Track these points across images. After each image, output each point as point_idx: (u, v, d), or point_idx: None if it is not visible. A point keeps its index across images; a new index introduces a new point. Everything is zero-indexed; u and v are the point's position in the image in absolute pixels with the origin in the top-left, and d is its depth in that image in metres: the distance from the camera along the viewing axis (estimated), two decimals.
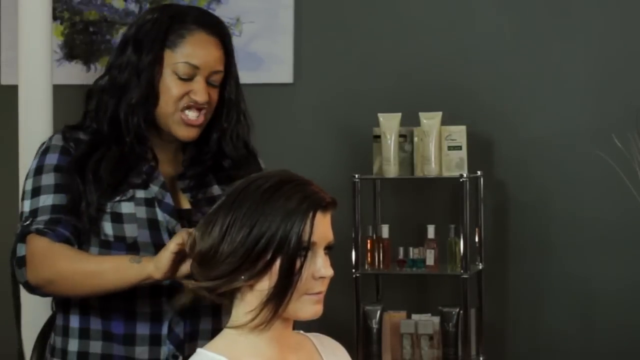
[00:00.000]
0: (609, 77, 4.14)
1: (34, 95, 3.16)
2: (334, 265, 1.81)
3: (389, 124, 4.00)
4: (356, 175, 4.02)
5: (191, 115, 2.27)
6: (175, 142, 2.33)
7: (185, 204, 2.30)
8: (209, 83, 2.29)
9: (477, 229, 4.11)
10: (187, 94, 2.26)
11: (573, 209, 4.16)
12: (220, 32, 2.32)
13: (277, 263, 1.77)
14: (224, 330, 1.85)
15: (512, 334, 4.22)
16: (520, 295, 4.21)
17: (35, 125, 3.24)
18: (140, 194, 2.24)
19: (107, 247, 2.22)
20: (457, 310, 3.93)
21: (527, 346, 4.20)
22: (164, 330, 2.22)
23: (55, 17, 4.39)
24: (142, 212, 2.22)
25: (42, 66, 3.18)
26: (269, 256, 1.76)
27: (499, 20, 4.24)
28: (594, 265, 4.14)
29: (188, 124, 2.27)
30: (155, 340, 2.22)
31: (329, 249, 1.82)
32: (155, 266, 2.06)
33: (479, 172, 4.11)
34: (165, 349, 2.21)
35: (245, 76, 4.40)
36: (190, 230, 1.98)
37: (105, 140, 2.26)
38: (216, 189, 2.33)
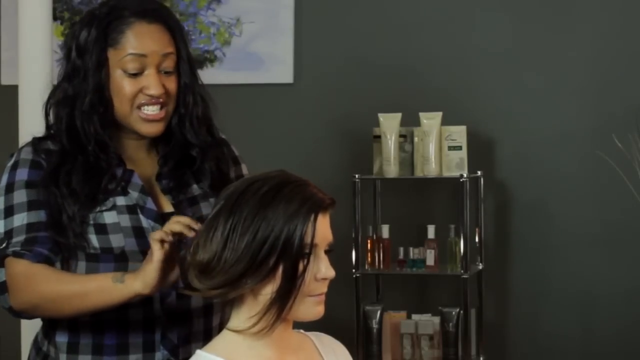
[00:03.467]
0: (609, 77, 4.14)
1: (34, 95, 3.14)
2: (334, 265, 1.81)
3: (389, 124, 4.00)
4: (356, 176, 4.02)
5: (149, 110, 2.18)
6: (145, 139, 2.25)
7: (167, 207, 2.23)
8: (162, 72, 2.19)
9: (477, 229, 4.11)
10: (140, 91, 2.17)
11: (573, 209, 4.16)
12: (162, 17, 2.21)
13: (281, 267, 1.75)
14: (223, 331, 1.84)
15: (512, 334, 4.22)
16: (520, 295, 4.21)
17: (35, 125, 3.23)
18: (120, 201, 2.18)
19: (95, 259, 2.15)
20: (457, 310, 3.93)
21: (527, 346, 4.20)
22: (157, 336, 2.18)
23: (55, 17, 4.39)
24: (125, 220, 2.16)
25: (42, 66, 3.17)
26: (272, 261, 1.75)
27: (499, 21, 4.24)
28: (594, 265, 4.14)
29: (148, 120, 2.19)
30: (148, 347, 2.18)
31: (329, 249, 1.81)
32: (142, 283, 1.99)
33: (479, 172, 4.11)
34: (160, 355, 2.18)
35: (245, 76, 4.48)
36: (166, 230, 1.96)
37: (71, 150, 2.19)
38: (195, 189, 2.26)
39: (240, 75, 4.45)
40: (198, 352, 1.82)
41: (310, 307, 1.80)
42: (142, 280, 1.99)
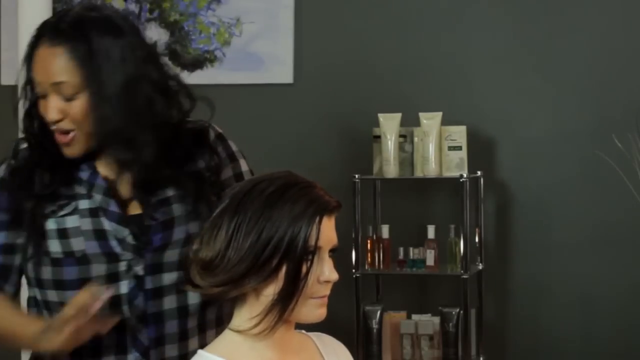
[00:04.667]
0: (609, 77, 4.14)
1: None
2: (334, 265, 1.81)
3: (389, 124, 4.00)
4: (356, 176, 4.02)
5: (57, 135, 2.18)
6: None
7: (135, 209, 2.19)
8: (66, 97, 2.14)
9: (477, 229, 4.11)
10: None
11: (573, 209, 4.16)
12: (65, 39, 2.12)
13: (284, 268, 1.75)
14: (225, 331, 1.84)
15: (512, 334, 4.22)
16: (520, 295, 4.21)
17: None
18: (83, 204, 2.16)
19: (58, 264, 2.15)
20: (457, 310, 3.93)
21: (527, 346, 4.20)
22: (129, 338, 2.17)
23: None
24: (87, 223, 2.15)
25: None
26: (275, 261, 1.75)
27: (499, 21, 4.24)
28: (594, 265, 4.14)
29: (61, 143, 2.17)
30: (120, 349, 2.17)
31: (333, 252, 1.81)
32: (49, 345, 2.05)
33: (479, 172, 4.11)
34: (132, 357, 2.16)
35: (245, 76, 4.48)
36: (93, 290, 1.99)
37: (32, 154, 2.22)
38: (169, 190, 2.19)
39: (240, 75, 4.44)
40: (199, 352, 1.82)
41: (313, 309, 1.79)
42: (51, 344, 2.05)
